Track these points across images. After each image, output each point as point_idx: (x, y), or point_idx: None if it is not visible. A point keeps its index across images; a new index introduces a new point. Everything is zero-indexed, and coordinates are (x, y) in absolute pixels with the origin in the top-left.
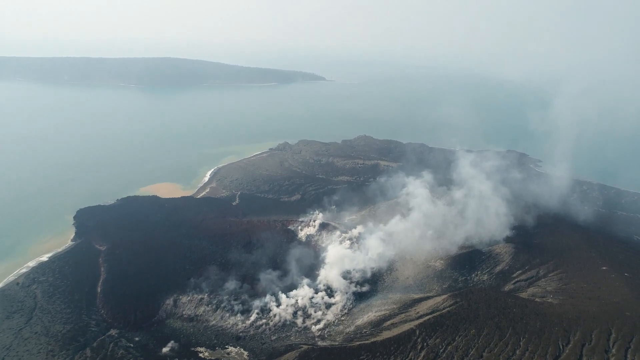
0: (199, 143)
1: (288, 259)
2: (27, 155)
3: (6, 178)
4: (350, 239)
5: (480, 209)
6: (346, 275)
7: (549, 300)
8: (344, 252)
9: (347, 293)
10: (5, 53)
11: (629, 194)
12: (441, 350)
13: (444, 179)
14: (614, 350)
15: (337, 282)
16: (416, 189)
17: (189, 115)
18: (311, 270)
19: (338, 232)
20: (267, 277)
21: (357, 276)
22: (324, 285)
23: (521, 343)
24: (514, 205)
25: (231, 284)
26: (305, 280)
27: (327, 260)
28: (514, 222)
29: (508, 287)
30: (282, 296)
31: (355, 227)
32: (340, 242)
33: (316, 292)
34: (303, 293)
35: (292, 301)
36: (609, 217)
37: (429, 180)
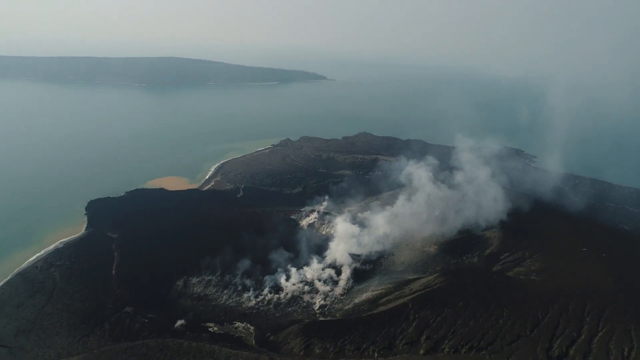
0: (203, 140)
1: (293, 242)
2: (37, 151)
3: (16, 174)
4: (357, 221)
5: (480, 193)
6: (354, 257)
7: (532, 277)
8: (352, 230)
9: (350, 267)
10: (11, 53)
11: (620, 188)
12: (431, 321)
13: (445, 166)
14: (587, 319)
15: (343, 258)
16: (419, 170)
17: (192, 114)
18: (317, 253)
19: (346, 213)
20: (277, 256)
21: (363, 256)
22: (331, 260)
23: (504, 314)
24: (510, 193)
25: (243, 264)
26: (315, 257)
27: (335, 234)
28: (509, 209)
29: (496, 267)
30: (293, 270)
31: (361, 212)
32: (348, 221)
33: (323, 270)
34: (313, 268)
35: (302, 276)
36: (597, 208)
37: (432, 163)
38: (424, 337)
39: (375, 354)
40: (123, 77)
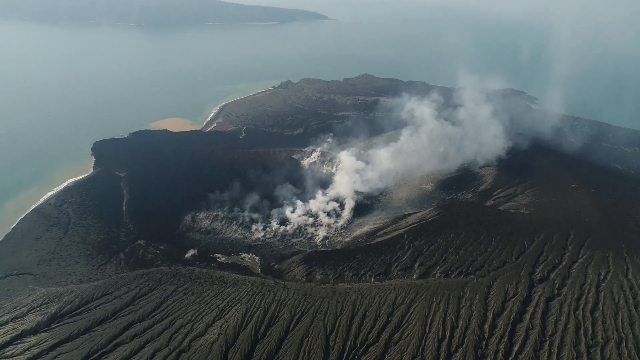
0: (204, 82)
1: (296, 179)
2: (38, 95)
3: (17, 117)
4: (361, 158)
5: (480, 131)
6: (357, 193)
7: (521, 211)
8: (357, 164)
9: (353, 199)
10: None
11: (618, 129)
12: (425, 250)
13: (447, 104)
14: (570, 247)
15: (347, 190)
16: (422, 106)
17: (191, 55)
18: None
19: (350, 148)
20: (284, 191)
21: (365, 193)
22: (335, 193)
23: (492, 243)
24: (509, 132)
25: (251, 198)
26: (320, 190)
27: (340, 168)
28: (508, 147)
29: (488, 203)
30: (298, 202)
31: (364, 150)
32: (352, 155)
33: (327, 203)
34: (318, 200)
35: (307, 208)
36: (592, 147)
37: (435, 99)
38: (417, 264)
39: (372, 279)
40: (118, 16)
